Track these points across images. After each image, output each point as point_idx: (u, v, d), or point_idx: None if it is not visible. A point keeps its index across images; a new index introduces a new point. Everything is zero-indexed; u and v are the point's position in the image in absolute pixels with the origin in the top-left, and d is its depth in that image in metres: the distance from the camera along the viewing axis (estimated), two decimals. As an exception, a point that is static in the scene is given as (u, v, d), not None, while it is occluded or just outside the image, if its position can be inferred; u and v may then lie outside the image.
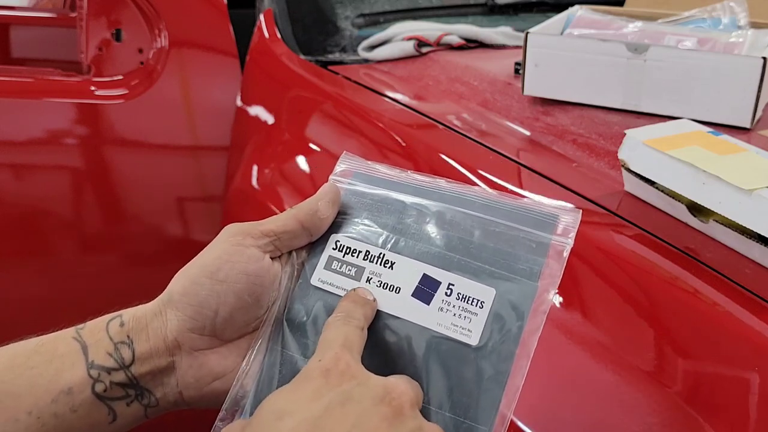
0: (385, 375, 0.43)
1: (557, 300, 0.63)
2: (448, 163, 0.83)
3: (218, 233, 0.48)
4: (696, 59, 0.89)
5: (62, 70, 1.28)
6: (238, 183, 1.16)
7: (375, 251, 0.48)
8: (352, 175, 0.51)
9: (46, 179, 1.26)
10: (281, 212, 0.49)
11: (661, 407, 0.53)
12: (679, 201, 0.65)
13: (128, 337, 0.45)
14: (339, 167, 0.52)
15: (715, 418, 0.51)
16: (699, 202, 0.63)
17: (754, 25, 1.03)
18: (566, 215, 0.46)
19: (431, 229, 0.48)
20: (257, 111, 1.22)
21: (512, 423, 0.56)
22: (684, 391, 0.53)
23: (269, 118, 1.17)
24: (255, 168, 1.12)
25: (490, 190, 0.49)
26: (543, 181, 0.76)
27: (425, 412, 0.43)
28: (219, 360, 0.47)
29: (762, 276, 0.58)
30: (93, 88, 1.25)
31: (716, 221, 0.62)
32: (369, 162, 0.52)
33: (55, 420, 0.43)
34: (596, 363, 0.57)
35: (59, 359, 0.44)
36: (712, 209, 0.61)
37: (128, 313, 0.47)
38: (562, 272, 0.45)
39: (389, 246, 0.48)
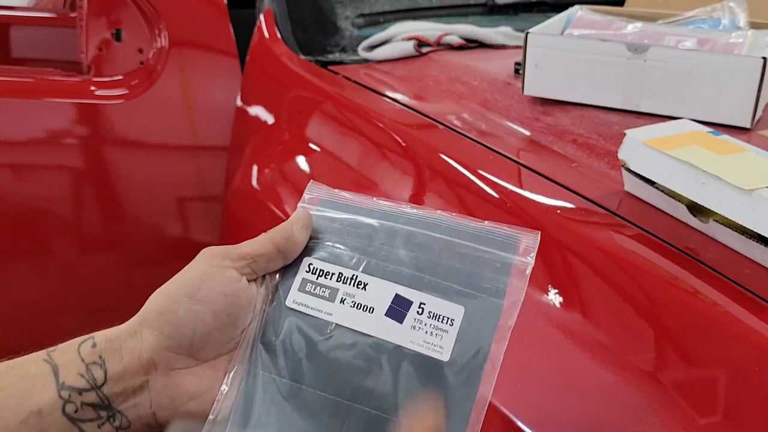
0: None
1: (557, 300, 0.63)
2: (448, 163, 0.83)
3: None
4: (696, 59, 0.89)
5: (62, 70, 1.28)
6: (238, 183, 1.16)
7: (348, 273, 0.49)
8: (320, 202, 0.53)
9: (46, 179, 1.26)
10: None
11: (661, 407, 0.53)
12: (679, 201, 0.65)
13: (100, 357, 0.45)
14: (306, 195, 0.54)
15: (714, 418, 0.51)
16: (699, 202, 0.63)
17: (754, 25, 1.03)
18: (526, 237, 0.48)
19: (400, 251, 0.49)
20: (257, 111, 1.22)
21: (512, 423, 0.56)
22: (684, 391, 0.53)
23: (269, 118, 1.17)
24: (255, 168, 1.12)
25: (453, 214, 0.50)
26: (543, 181, 0.76)
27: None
28: (194, 380, 0.47)
29: (762, 276, 0.58)
30: (93, 88, 1.26)
31: (716, 221, 0.62)
32: (335, 190, 0.54)
33: None
34: (596, 363, 0.57)
35: (29, 380, 0.44)
36: (712, 209, 0.61)
37: (100, 335, 0.47)
38: (525, 289, 0.47)
39: (361, 268, 0.49)
